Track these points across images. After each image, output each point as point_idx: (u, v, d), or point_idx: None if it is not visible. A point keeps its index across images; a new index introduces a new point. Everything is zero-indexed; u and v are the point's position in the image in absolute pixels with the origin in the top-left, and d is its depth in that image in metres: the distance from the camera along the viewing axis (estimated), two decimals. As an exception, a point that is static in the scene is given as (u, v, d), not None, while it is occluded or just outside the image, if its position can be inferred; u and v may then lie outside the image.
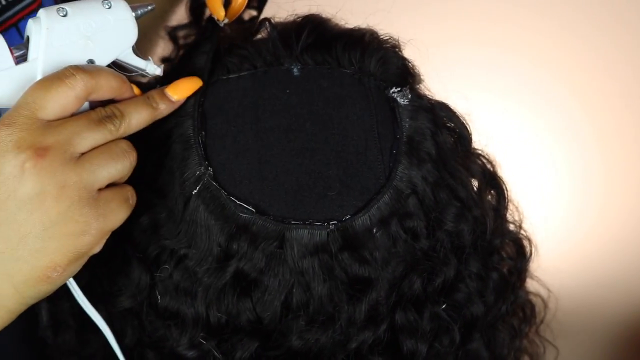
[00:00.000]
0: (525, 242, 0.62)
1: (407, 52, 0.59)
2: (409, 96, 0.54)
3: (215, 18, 0.54)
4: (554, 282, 0.74)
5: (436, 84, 0.59)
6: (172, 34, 0.67)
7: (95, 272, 0.53)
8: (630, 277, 1.09)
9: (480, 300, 0.54)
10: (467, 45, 1.03)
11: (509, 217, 0.61)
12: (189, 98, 0.52)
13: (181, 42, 0.66)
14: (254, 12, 0.60)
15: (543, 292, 0.70)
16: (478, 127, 0.60)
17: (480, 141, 0.59)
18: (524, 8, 1.06)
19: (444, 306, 0.53)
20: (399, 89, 0.54)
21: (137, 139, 0.52)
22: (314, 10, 0.58)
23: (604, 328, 1.10)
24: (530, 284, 0.68)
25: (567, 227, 1.09)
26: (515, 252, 0.61)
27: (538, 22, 1.05)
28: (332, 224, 0.48)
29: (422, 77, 0.58)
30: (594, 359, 1.12)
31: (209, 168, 0.49)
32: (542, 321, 0.70)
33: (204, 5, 0.64)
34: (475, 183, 0.57)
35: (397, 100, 0.53)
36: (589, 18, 1.05)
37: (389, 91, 0.54)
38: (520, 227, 0.63)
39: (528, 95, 1.07)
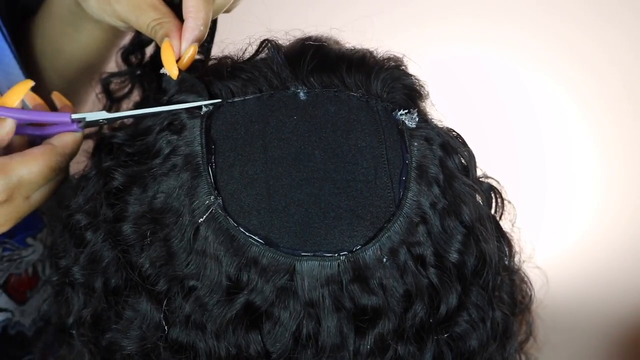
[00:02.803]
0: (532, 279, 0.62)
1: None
2: (417, 119, 0.53)
3: (168, 74, 0.54)
4: (551, 285, 0.75)
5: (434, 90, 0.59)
6: (106, 82, 0.67)
7: (103, 305, 0.52)
8: (626, 279, 1.10)
9: (482, 333, 0.54)
10: (462, 45, 1.02)
11: (515, 243, 0.61)
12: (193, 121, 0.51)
13: (116, 94, 0.67)
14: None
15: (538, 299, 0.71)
16: (476, 130, 0.60)
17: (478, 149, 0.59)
18: (519, 7, 1.05)
19: (446, 335, 0.52)
20: (406, 110, 0.53)
21: (142, 166, 0.52)
22: (300, 29, 0.57)
23: (600, 331, 1.11)
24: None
25: (563, 230, 1.09)
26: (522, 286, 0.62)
27: (535, 21, 1.05)
28: (343, 254, 0.48)
29: (427, 92, 0.58)
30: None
31: (218, 198, 0.48)
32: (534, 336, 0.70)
33: (134, 51, 0.65)
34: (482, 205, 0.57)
35: (405, 123, 0.53)
36: (584, 16, 1.05)
37: (397, 113, 0.53)
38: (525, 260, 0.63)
39: (524, 96, 1.07)
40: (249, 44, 0.54)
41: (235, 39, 0.56)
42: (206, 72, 0.55)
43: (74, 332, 0.56)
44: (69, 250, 0.57)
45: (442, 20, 1.01)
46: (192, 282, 0.49)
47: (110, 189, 0.53)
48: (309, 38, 0.56)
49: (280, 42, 0.56)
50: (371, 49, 0.57)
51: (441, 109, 0.60)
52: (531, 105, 1.06)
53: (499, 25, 1.04)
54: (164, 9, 0.55)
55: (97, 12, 0.59)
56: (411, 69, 0.58)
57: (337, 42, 0.57)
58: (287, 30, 0.58)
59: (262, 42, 0.56)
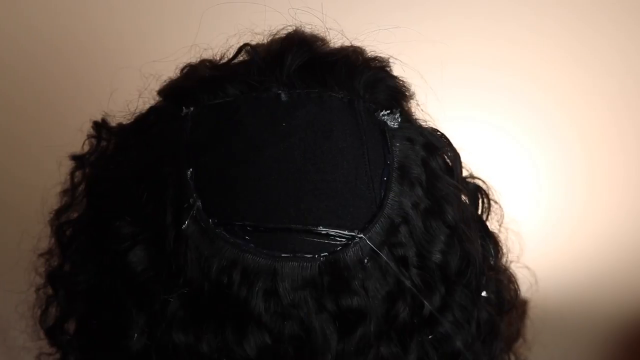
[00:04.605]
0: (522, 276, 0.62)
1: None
2: (399, 119, 0.53)
3: None
4: (540, 284, 0.75)
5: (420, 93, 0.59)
6: None
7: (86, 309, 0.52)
8: (616, 278, 1.10)
9: (467, 333, 0.54)
10: (453, 47, 1.02)
11: (502, 244, 0.61)
12: (173, 123, 0.51)
13: None
14: None
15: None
16: (460, 132, 0.60)
17: (463, 148, 0.59)
18: (505, 14, 1.06)
19: (430, 336, 0.52)
20: (388, 111, 0.53)
21: (124, 169, 0.52)
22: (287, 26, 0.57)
23: (589, 330, 1.11)
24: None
25: (551, 229, 1.10)
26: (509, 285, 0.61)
27: (520, 26, 1.05)
28: (323, 255, 0.48)
29: (413, 94, 0.58)
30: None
31: (198, 200, 0.48)
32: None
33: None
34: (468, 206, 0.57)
35: (387, 124, 0.53)
36: (569, 19, 1.05)
37: (379, 114, 0.53)
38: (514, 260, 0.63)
39: (508, 98, 1.07)
40: (230, 47, 0.54)
41: (217, 43, 0.56)
42: (186, 75, 0.55)
43: (57, 336, 0.56)
44: (56, 254, 0.57)
45: (437, 19, 1.01)
46: (174, 285, 0.49)
47: (93, 193, 0.53)
48: (293, 37, 0.56)
49: (264, 41, 0.56)
50: (356, 48, 0.57)
51: (430, 109, 0.60)
52: (522, 105, 1.06)
53: (496, 23, 1.04)
54: None
55: None
56: (397, 70, 0.58)
57: (322, 40, 0.57)
58: (272, 30, 0.58)
59: (240, 47, 0.56)
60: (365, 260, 0.48)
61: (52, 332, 0.57)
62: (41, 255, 0.62)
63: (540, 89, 1.05)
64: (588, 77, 1.05)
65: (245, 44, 0.55)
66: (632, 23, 1.04)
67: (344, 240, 0.48)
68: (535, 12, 1.03)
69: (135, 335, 0.50)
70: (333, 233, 0.48)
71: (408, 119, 0.55)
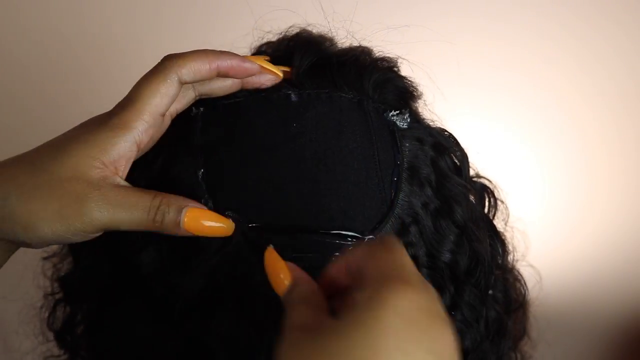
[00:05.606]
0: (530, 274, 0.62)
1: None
2: (408, 120, 0.53)
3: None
4: (545, 283, 0.75)
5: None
6: None
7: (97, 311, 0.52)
8: (619, 277, 1.10)
9: (476, 332, 0.54)
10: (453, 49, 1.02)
11: (508, 242, 0.61)
12: (184, 124, 0.51)
13: None
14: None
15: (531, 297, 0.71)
16: (464, 133, 0.60)
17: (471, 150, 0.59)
18: (505, 16, 1.06)
19: None
20: (397, 111, 0.53)
21: (134, 169, 0.52)
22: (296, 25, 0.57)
23: (594, 328, 1.11)
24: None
25: (555, 229, 1.10)
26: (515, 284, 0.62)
27: (522, 29, 1.06)
28: (335, 256, 0.47)
29: (421, 94, 0.58)
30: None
31: (209, 201, 0.48)
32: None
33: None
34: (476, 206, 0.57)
35: (396, 124, 0.53)
36: (570, 22, 1.05)
37: (388, 114, 0.53)
38: (519, 259, 0.63)
39: (513, 101, 1.07)
40: (238, 47, 0.54)
41: (226, 42, 0.56)
42: None
43: (67, 338, 0.56)
44: (63, 257, 0.57)
45: (443, 20, 1.02)
46: (185, 284, 0.49)
47: None
48: (302, 37, 0.56)
49: (274, 40, 0.56)
50: (365, 49, 0.57)
51: (437, 108, 0.60)
52: (525, 105, 1.06)
53: (500, 24, 1.05)
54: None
55: (50, 237, 0.46)
56: (405, 70, 0.59)
57: (330, 40, 0.57)
58: (282, 29, 0.58)
59: (258, 48, 0.56)
60: None
61: (62, 334, 0.57)
62: (45, 258, 0.62)
63: (545, 90, 1.06)
64: (588, 77, 1.06)
65: (262, 45, 0.55)
66: (632, 23, 1.05)
67: (354, 240, 0.48)
68: (537, 13, 1.04)
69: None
70: (344, 233, 0.48)
71: (417, 119, 0.55)
